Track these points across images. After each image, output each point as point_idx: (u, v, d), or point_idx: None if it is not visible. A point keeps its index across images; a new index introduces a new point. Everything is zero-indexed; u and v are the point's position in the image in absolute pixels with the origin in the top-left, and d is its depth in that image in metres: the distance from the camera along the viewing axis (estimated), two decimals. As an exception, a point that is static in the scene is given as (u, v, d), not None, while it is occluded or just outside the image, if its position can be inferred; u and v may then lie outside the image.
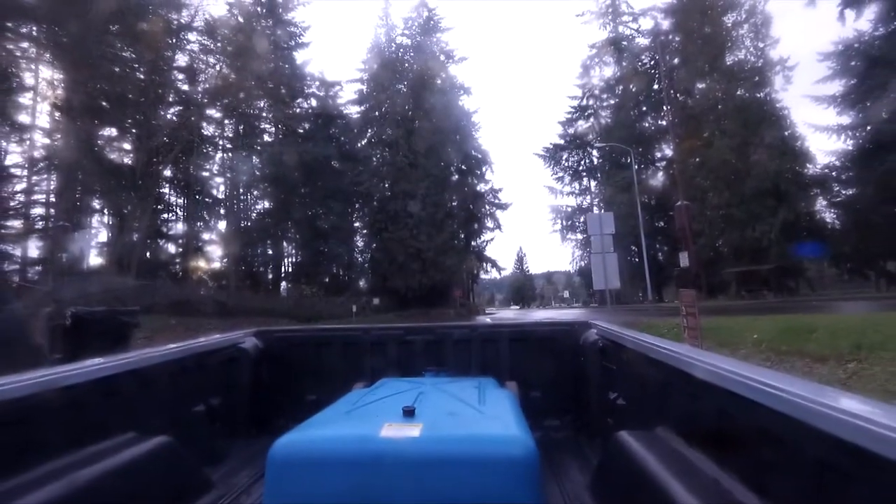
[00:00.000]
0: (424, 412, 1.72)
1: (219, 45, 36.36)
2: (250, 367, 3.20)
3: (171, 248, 38.95)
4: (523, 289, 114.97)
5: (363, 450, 1.52)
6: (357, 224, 46.37)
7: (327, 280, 45.36)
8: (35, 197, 29.20)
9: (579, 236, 53.86)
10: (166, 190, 37.22)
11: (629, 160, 41.67)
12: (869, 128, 29.07)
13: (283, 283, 45.58)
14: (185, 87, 35.95)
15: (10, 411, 1.54)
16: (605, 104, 53.50)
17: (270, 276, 44.15)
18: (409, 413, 1.68)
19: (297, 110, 42.02)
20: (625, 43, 51.51)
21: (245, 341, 3.31)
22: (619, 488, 1.87)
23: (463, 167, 47.29)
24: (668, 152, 46.52)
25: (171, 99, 35.10)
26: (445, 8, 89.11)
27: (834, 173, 34.36)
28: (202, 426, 2.65)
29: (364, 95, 47.38)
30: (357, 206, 44.91)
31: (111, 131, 32.57)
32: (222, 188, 40.96)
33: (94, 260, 33.02)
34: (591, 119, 55.24)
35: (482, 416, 1.78)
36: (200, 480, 2.19)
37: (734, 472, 1.43)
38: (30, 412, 1.62)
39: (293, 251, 45.69)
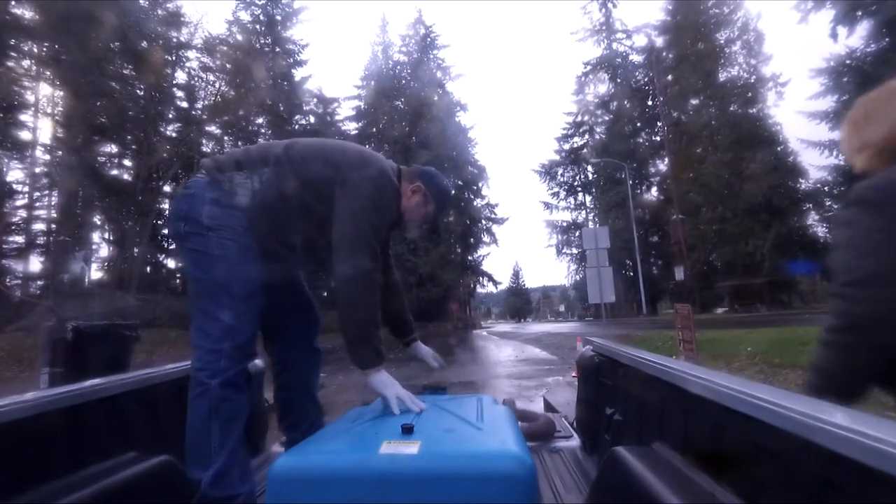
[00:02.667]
0: (422, 429, 1.72)
1: (218, 62, 36.52)
2: (250, 386, 3.19)
3: (171, 263, 38.91)
4: (519, 303, 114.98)
5: (363, 467, 1.52)
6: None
7: (326, 294, 45.32)
8: (36, 213, 29.23)
9: (575, 251, 54.06)
10: (166, 205, 37.18)
11: (624, 175, 41.87)
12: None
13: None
14: (185, 105, 36.03)
15: (11, 432, 1.54)
16: (599, 120, 53.80)
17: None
18: (407, 430, 1.68)
19: (296, 127, 42.05)
20: (619, 60, 51.77)
21: None
22: (617, 503, 1.86)
23: (460, 182, 47.35)
24: (662, 168, 46.77)
25: (170, 116, 35.17)
26: (442, 25, 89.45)
27: (826, 188, 34.42)
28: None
29: (362, 112, 47.51)
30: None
31: (111, 148, 32.65)
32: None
33: (95, 275, 32.98)
34: (587, 135, 55.56)
35: (480, 433, 1.77)
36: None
37: (731, 487, 1.43)
38: (31, 433, 1.61)
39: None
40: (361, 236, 2.31)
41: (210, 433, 2.15)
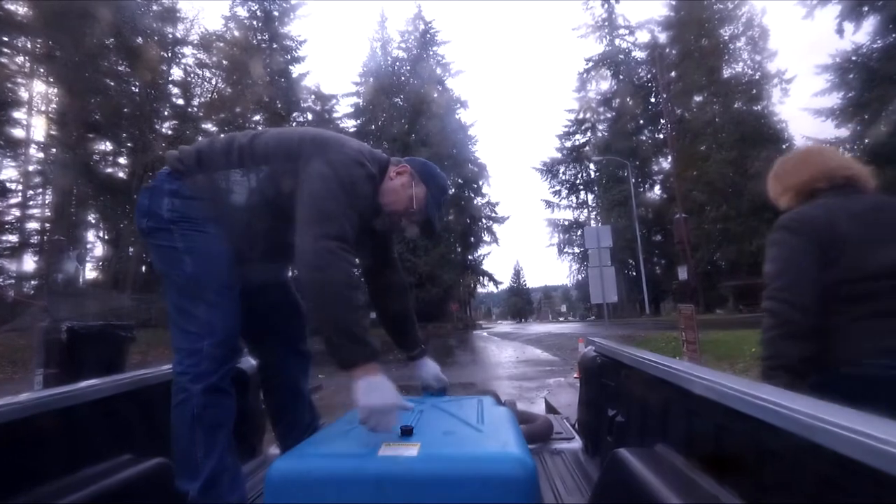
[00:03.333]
0: (422, 431, 1.72)
1: (214, 59, 36.50)
2: (245, 387, 3.19)
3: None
4: (520, 303, 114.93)
5: (361, 470, 1.52)
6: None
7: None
8: (30, 211, 29.23)
9: (576, 250, 54.02)
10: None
11: (626, 173, 41.84)
12: (867, 141, 29.12)
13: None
14: (181, 102, 36.01)
15: (5, 434, 1.54)
16: (602, 117, 53.72)
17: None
18: (406, 432, 1.68)
19: (294, 124, 42.02)
20: (621, 56, 51.75)
21: (241, 362, 3.30)
22: (619, 506, 1.86)
23: (460, 180, 47.27)
24: (666, 166, 46.74)
25: (166, 113, 35.13)
26: (442, 21, 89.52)
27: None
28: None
29: (360, 109, 47.47)
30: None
31: (106, 145, 32.63)
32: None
33: (90, 274, 33.02)
34: (589, 132, 55.50)
35: (480, 435, 1.77)
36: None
37: (735, 490, 1.42)
38: (25, 435, 1.61)
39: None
40: (323, 216, 2.13)
41: (195, 442, 2.12)
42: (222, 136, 2.55)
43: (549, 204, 57.03)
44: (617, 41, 52.91)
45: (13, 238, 28.04)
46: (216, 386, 2.17)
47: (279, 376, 2.88)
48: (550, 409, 5.74)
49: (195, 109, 35.92)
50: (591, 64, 53.78)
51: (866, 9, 28.16)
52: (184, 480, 2.07)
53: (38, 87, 29.41)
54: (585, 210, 57.06)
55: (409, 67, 49.53)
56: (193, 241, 2.29)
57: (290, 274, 3.01)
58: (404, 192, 2.48)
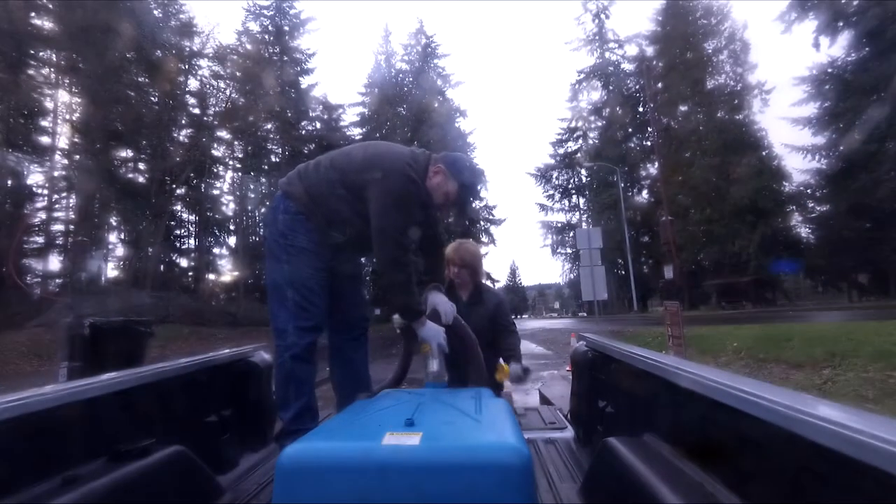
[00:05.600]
0: (424, 421, 1.72)
1: (228, 71, 36.52)
2: (258, 380, 3.24)
3: (184, 263, 38.88)
4: (516, 300, 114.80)
5: (366, 457, 1.52)
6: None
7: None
8: (55, 214, 29.24)
9: (569, 250, 53.83)
10: (179, 207, 37.10)
11: (616, 179, 41.77)
12: (841, 148, 29.20)
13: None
14: (197, 111, 36.02)
15: (33, 422, 1.54)
16: (593, 126, 53.56)
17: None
18: (409, 422, 1.68)
19: (303, 132, 41.99)
20: (611, 68, 51.66)
21: (254, 355, 3.33)
22: (609, 491, 1.86)
23: (459, 185, 47.02)
24: (653, 171, 46.67)
25: (183, 122, 35.15)
26: (443, 35, 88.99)
27: (809, 191, 34.49)
28: (213, 436, 2.66)
29: (366, 118, 47.35)
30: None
31: (127, 152, 32.61)
32: (232, 205, 40.84)
33: (111, 273, 33.01)
34: (580, 140, 55.31)
35: (478, 425, 1.78)
36: (211, 486, 2.19)
37: (717, 476, 1.43)
38: (52, 423, 1.62)
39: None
40: (387, 232, 2.75)
41: (289, 389, 2.82)
42: (311, 161, 3.15)
43: (542, 207, 56.87)
44: (607, 54, 52.83)
45: (40, 239, 28.05)
46: (299, 356, 2.81)
47: (343, 355, 3.33)
48: (544, 400, 5.73)
49: (210, 118, 35.94)
50: (582, 76, 53.67)
51: (841, 24, 28.23)
52: (281, 412, 2.85)
53: (63, 97, 29.36)
54: (577, 213, 56.90)
55: (411, 79, 49.39)
56: (295, 248, 2.90)
57: (364, 270, 3.77)
58: (439, 190, 2.99)
